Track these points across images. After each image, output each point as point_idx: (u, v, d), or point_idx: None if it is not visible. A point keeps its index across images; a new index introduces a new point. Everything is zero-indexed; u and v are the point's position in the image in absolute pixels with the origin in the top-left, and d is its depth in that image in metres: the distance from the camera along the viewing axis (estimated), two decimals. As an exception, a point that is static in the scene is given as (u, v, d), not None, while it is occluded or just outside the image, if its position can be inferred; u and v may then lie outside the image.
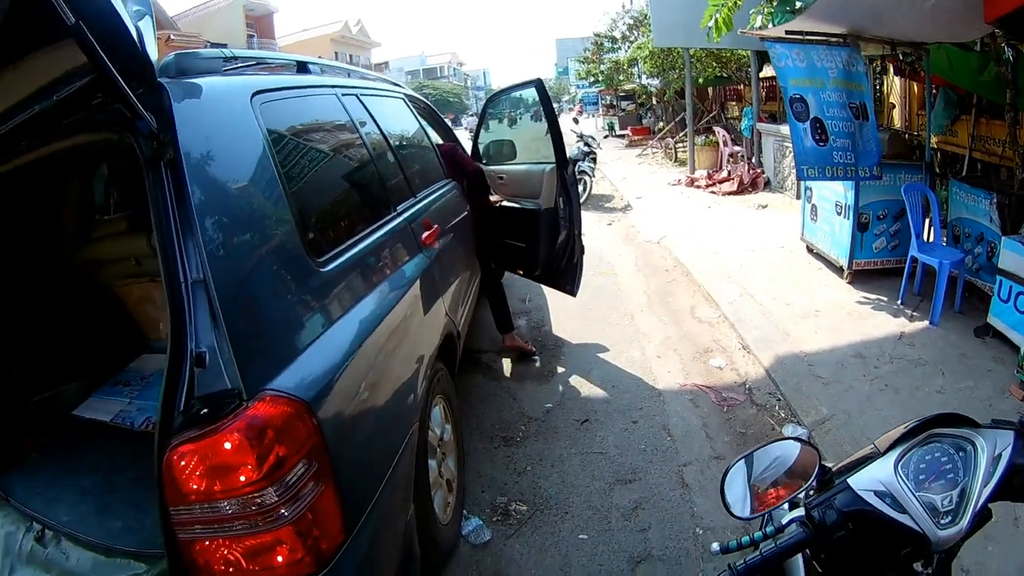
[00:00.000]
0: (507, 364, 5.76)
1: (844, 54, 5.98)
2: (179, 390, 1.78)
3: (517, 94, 6.36)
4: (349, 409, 2.24)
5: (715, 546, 1.32)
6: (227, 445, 1.75)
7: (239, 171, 2.20)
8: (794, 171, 9.23)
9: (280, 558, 1.87)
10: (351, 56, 58.61)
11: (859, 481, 1.30)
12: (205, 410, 1.77)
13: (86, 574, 2.37)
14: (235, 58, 2.70)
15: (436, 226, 3.88)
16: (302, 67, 3.42)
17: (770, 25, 7.14)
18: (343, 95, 3.51)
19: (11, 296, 3.65)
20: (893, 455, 1.31)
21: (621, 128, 30.59)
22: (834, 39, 6.04)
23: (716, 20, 6.63)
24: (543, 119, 5.30)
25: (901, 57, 6.96)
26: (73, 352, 3.92)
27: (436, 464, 3.32)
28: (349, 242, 2.74)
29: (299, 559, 1.88)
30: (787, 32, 6.00)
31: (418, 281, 3.29)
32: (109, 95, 1.92)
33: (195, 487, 1.77)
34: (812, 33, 5.96)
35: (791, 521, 1.33)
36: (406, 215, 3.57)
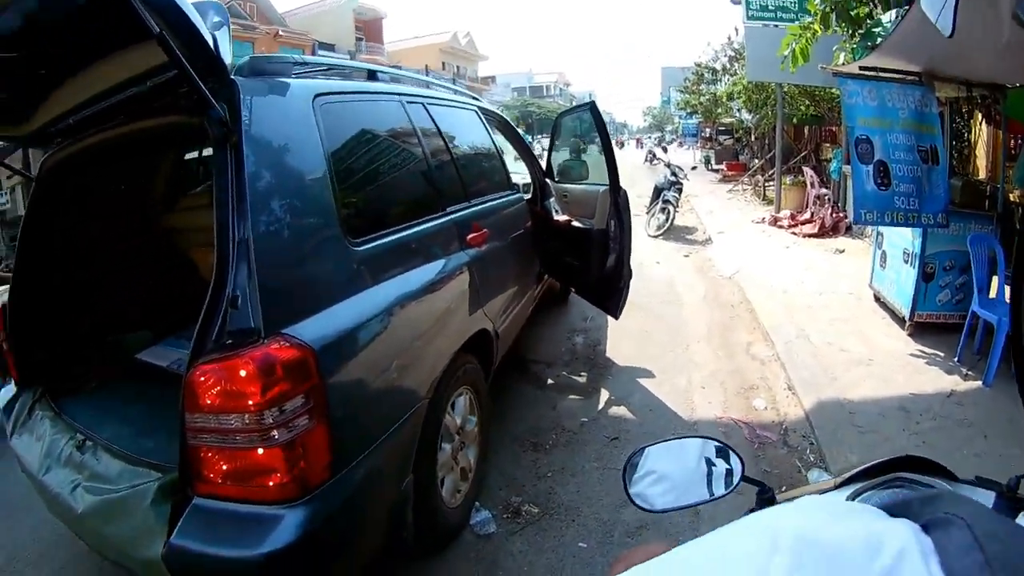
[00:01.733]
0: (554, 375, 5.90)
1: (918, 94, 5.81)
2: (213, 324, 2.26)
3: (581, 115, 6.49)
4: (355, 368, 2.61)
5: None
6: (241, 372, 2.17)
7: (292, 158, 2.68)
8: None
9: (268, 479, 2.27)
10: (458, 67, 59.46)
11: None
12: (230, 341, 2.23)
13: (111, 476, 2.69)
14: (305, 63, 3.20)
15: (485, 230, 4.25)
16: (372, 75, 3.89)
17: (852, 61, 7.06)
18: (408, 102, 3.95)
19: (103, 252, 4.24)
20: (847, 491, 1.16)
21: (717, 162, 30.21)
22: (909, 78, 5.88)
23: (793, 50, 6.57)
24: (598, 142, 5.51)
25: (979, 100, 6.74)
26: (148, 305, 4.48)
27: (451, 448, 3.60)
28: (388, 230, 3.17)
29: (285, 483, 2.27)
30: (860, 68, 5.88)
31: (455, 275, 3.67)
32: (189, 87, 2.31)
33: (209, 400, 2.21)
34: (886, 70, 5.83)
35: None
36: (454, 216, 3.95)
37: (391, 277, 3.05)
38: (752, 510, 1.25)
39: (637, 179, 27.02)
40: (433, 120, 4.21)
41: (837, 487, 1.22)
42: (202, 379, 2.21)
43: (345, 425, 2.49)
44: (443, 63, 56.24)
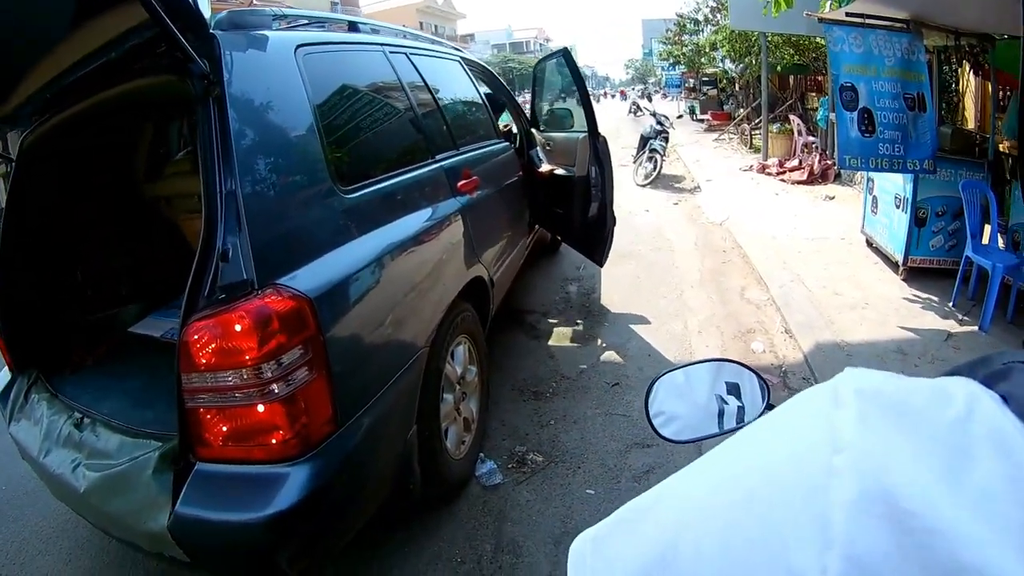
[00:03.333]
0: (550, 324, 5.92)
1: (905, 41, 5.75)
2: (204, 280, 2.19)
3: (560, 62, 6.39)
4: (351, 316, 2.55)
5: None
6: (236, 326, 2.11)
7: (276, 108, 2.61)
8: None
9: (271, 437, 2.23)
10: (436, 27, 59.06)
11: None
12: (223, 296, 2.16)
13: (111, 452, 2.63)
14: (285, 16, 3.13)
15: (475, 177, 4.21)
16: (352, 26, 3.84)
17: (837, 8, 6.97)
18: (391, 52, 3.91)
19: (86, 224, 4.10)
20: None
21: (702, 112, 30.16)
22: (897, 25, 5.80)
23: (776, -4, 6.48)
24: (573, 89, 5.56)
25: (968, 49, 6.71)
26: (137, 277, 4.39)
27: (453, 398, 3.59)
28: (379, 177, 3.15)
29: (288, 439, 2.23)
30: (847, 14, 5.80)
31: (447, 221, 3.62)
32: (169, 44, 2.28)
33: (205, 359, 2.15)
34: (873, 17, 5.76)
35: None
36: (444, 164, 3.90)
37: (383, 225, 3.01)
38: None
39: (622, 131, 26.96)
40: (417, 69, 4.18)
41: None
42: (196, 337, 2.16)
43: (345, 376, 2.44)
44: (420, 23, 55.75)
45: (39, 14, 2.57)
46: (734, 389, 1.35)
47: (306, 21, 3.33)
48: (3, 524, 3.81)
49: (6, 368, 3.55)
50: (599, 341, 5.53)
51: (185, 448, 2.31)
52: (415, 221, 3.28)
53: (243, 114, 2.41)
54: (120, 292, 4.30)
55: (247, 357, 2.13)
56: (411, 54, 4.23)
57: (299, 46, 2.91)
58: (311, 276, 2.37)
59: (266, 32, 2.84)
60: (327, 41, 3.26)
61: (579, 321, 5.97)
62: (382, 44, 3.91)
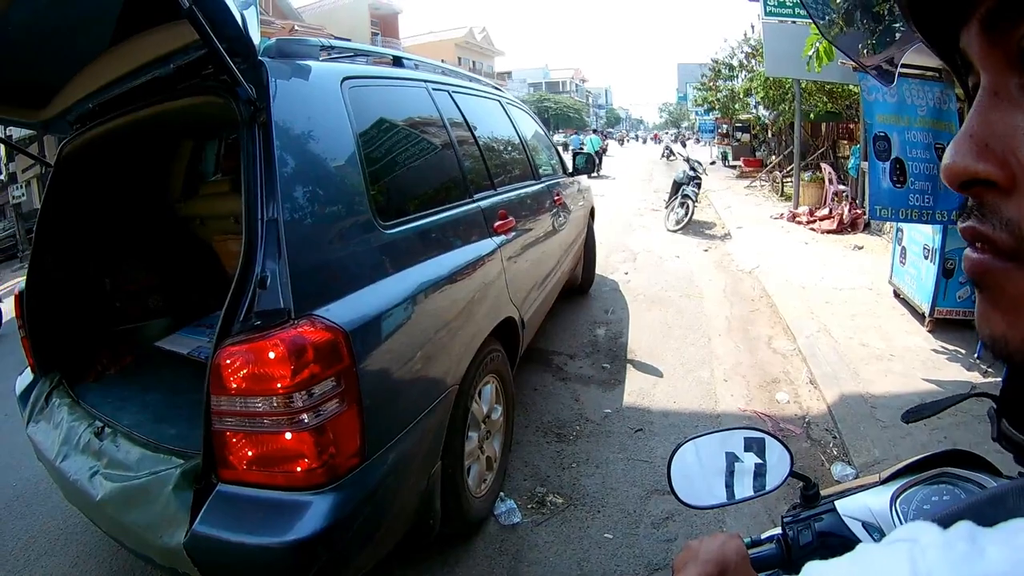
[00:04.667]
0: (576, 367, 5.95)
1: (937, 90, 5.79)
2: (241, 304, 2.23)
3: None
4: (385, 351, 2.58)
5: (684, 545, 1.14)
6: (270, 353, 2.14)
7: (321, 138, 2.66)
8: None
9: (296, 465, 2.24)
10: (474, 63, 59.38)
11: (847, 506, 1.21)
12: (258, 322, 2.19)
13: (131, 464, 2.67)
14: (332, 47, 3.20)
15: (511, 218, 4.30)
16: (397, 61, 3.93)
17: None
18: (434, 89, 4.00)
19: (119, 236, 4.26)
20: (893, 486, 1.19)
21: (734, 158, 30.16)
22: (929, 73, 5.86)
23: (817, 49, 6.55)
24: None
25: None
26: (165, 293, 4.56)
27: (477, 437, 3.61)
28: (417, 214, 3.19)
29: (314, 468, 2.24)
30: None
31: (482, 261, 3.64)
32: (217, 67, 2.40)
33: (236, 383, 2.18)
34: (907, 65, 5.78)
35: (768, 537, 1.25)
36: (482, 203, 3.98)
37: (421, 261, 3.05)
38: (796, 505, 1.31)
39: (655, 175, 27.01)
40: (458, 107, 4.25)
41: (883, 482, 1.24)
42: (229, 361, 2.19)
43: (376, 410, 2.46)
44: (459, 58, 56.12)
45: (86, 24, 2.76)
46: (752, 445, 1.37)
47: (351, 53, 3.41)
48: (12, 520, 3.91)
49: (28, 369, 3.64)
50: (625, 386, 5.56)
51: (208, 468, 2.34)
52: (451, 260, 3.31)
53: (288, 142, 2.47)
54: (148, 306, 4.43)
55: (279, 385, 2.15)
56: (453, 92, 4.31)
57: (345, 78, 2.97)
58: (347, 309, 2.40)
59: (313, 62, 2.92)
60: (372, 75, 3.36)
61: (605, 365, 6.01)
62: (425, 80, 3.99)
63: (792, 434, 4.67)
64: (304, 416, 2.19)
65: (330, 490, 2.28)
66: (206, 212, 4.91)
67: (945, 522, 0.48)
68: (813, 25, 6.71)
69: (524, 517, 3.74)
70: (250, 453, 2.27)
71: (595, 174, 26.18)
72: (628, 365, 6.05)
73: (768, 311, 7.68)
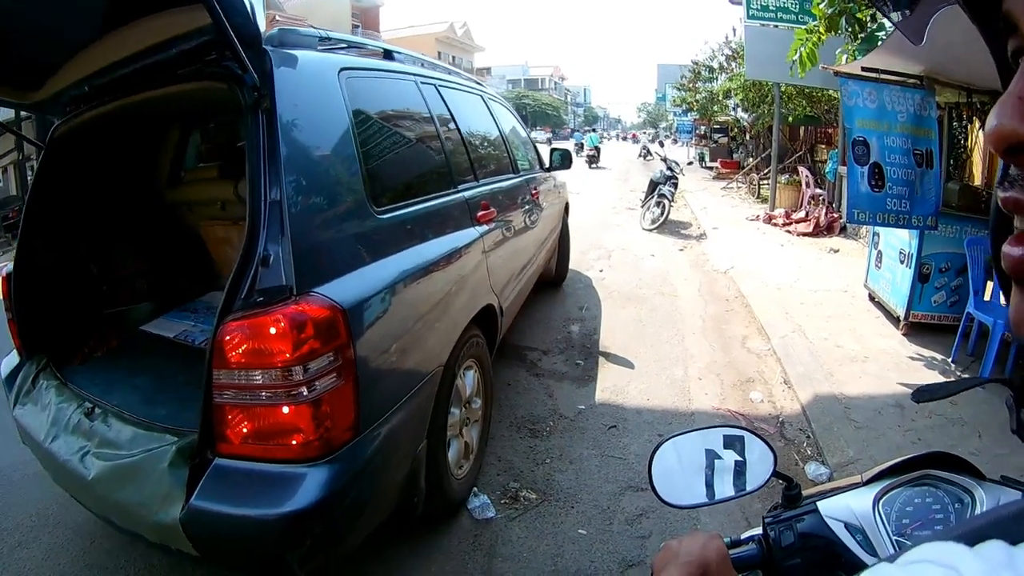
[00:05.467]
0: (550, 363, 5.93)
1: (918, 97, 5.83)
2: (243, 282, 2.31)
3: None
4: (379, 329, 2.69)
5: (662, 544, 1.13)
6: (272, 328, 2.23)
7: (321, 125, 2.79)
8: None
9: (293, 438, 2.33)
10: (454, 58, 59.42)
11: (829, 507, 1.19)
12: (261, 299, 2.28)
13: (123, 443, 2.68)
14: (329, 39, 3.29)
15: (492, 209, 4.44)
16: (387, 54, 4.01)
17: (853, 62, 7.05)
18: (422, 83, 4.13)
19: (106, 220, 4.23)
20: (875, 488, 1.18)
21: (711, 160, 30.46)
22: (910, 80, 5.90)
23: (800, 54, 6.56)
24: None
25: (979, 106, 6.80)
26: (151, 278, 4.55)
27: (459, 421, 3.71)
28: (408, 201, 3.33)
29: (310, 441, 2.33)
30: (863, 68, 5.89)
31: (466, 249, 3.80)
32: (223, 53, 2.55)
33: (238, 357, 2.26)
34: (887, 72, 5.85)
35: (749, 537, 1.23)
36: (466, 194, 4.13)
37: (411, 246, 3.16)
38: (778, 505, 1.28)
39: (632, 173, 27.11)
40: (444, 101, 4.35)
41: (865, 483, 1.22)
42: (232, 336, 2.26)
43: (369, 386, 2.55)
44: (439, 52, 56.12)
45: (82, 7, 2.82)
46: (733, 442, 1.36)
47: (345, 45, 3.47)
48: (-18, 511, 3.83)
49: (14, 352, 3.62)
50: (599, 382, 5.54)
51: (204, 444, 2.39)
52: (439, 246, 3.45)
53: (290, 127, 2.55)
54: (133, 290, 4.41)
55: (280, 359, 2.24)
56: (439, 86, 4.44)
57: (342, 69, 3.08)
58: (345, 288, 2.50)
59: (312, 52, 3.01)
60: (366, 67, 3.44)
61: (579, 362, 5.99)
62: (414, 74, 4.12)
63: (766, 433, 4.62)
64: (303, 389, 2.28)
65: (325, 463, 2.36)
66: (193, 198, 4.94)
67: (969, 539, 0.45)
68: (797, 29, 6.75)
69: (498, 512, 3.70)
70: (248, 427, 2.34)
71: (594, 165, 32.64)
72: (602, 361, 6.03)
73: (743, 311, 7.70)
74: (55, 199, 3.68)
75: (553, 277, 8.27)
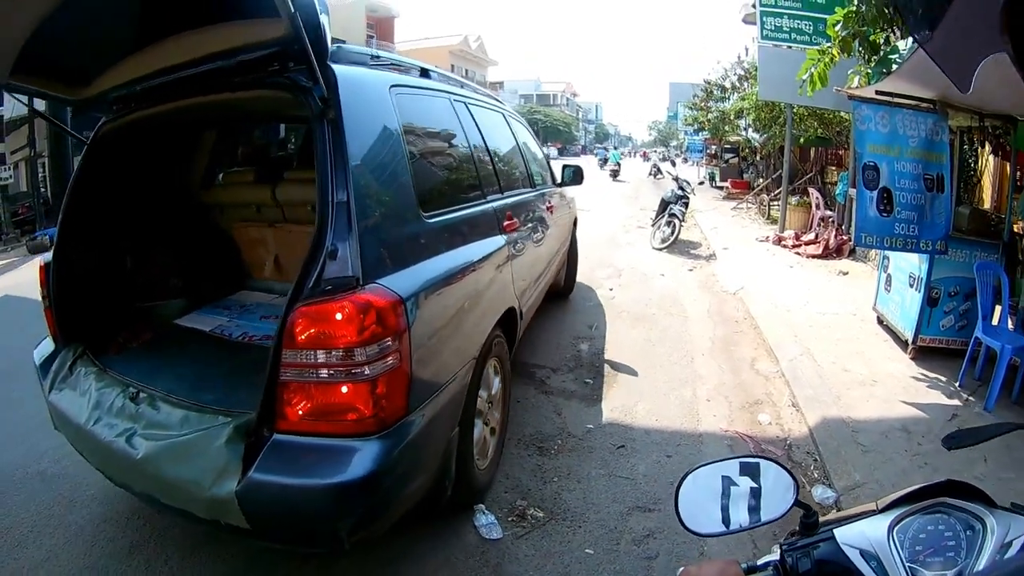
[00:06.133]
0: (559, 381, 5.96)
1: (930, 121, 5.84)
2: (312, 272, 2.56)
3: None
4: (429, 318, 2.98)
5: (679, 571, 1.24)
6: (338, 315, 2.48)
7: (378, 135, 3.09)
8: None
9: (352, 414, 2.57)
10: (467, 71, 59.51)
11: (845, 534, 1.20)
12: (329, 287, 2.53)
13: (173, 424, 2.86)
14: (378, 57, 3.60)
15: (515, 220, 4.80)
16: (424, 72, 4.25)
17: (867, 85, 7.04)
18: (454, 100, 4.48)
19: (143, 217, 4.45)
20: (890, 516, 1.20)
21: (722, 179, 30.41)
22: (923, 104, 5.90)
23: (812, 74, 6.59)
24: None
25: (990, 130, 6.82)
26: (182, 275, 4.78)
27: (482, 421, 3.97)
28: (448, 208, 3.68)
29: (366, 417, 2.57)
30: (877, 92, 5.89)
31: (494, 254, 4.11)
32: (287, 65, 2.89)
33: (306, 338, 2.51)
34: (901, 96, 5.84)
35: (765, 564, 1.25)
36: (495, 204, 4.49)
37: (453, 248, 3.50)
38: (794, 532, 1.31)
39: (642, 192, 27.13)
40: (473, 118, 4.68)
41: (881, 511, 1.23)
42: (302, 319, 2.50)
43: (418, 370, 2.79)
44: (452, 66, 56.10)
45: (142, 13, 3.08)
46: (748, 469, 1.38)
47: (389, 63, 3.74)
48: (-19, 510, 3.86)
49: (47, 340, 3.78)
50: (607, 402, 5.56)
51: (261, 422, 2.61)
52: (475, 250, 3.80)
53: (353, 136, 2.80)
54: (166, 287, 4.62)
55: (345, 341, 2.48)
56: (468, 103, 4.76)
57: (392, 85, 3.40)
58: (401, 281, 2.77)
59: (365, 69, 3.33)
60: (411, 84, 3.78)
61: (588, 380, 6.01)
62: (447, 92, 4.44)
63: (774, 455, 4.64)
64: (364, 369, 2.52)
65: (377, 438, 2.60)
66: (227, 200, 5.19)
67: None
68: (810, 50, 6.79)
69: (505, 530, 3.70)
70: (308, 404, 2.58)
71: (617, 179, 37.02)
72: (611, 381, 6.05)
73: (752, 333, 7.71)
74: (95, 193, 3.84)
75: (562, 289, 8.51)
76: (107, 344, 3.80)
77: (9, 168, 17.00)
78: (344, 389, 2.54)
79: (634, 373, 6.25)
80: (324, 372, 2.53)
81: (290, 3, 2.39)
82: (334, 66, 2.90)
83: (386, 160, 3.08)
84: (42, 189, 18.32)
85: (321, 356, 2.52)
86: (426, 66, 4.35)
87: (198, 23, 3.02)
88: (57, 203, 17.12)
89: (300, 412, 2.58)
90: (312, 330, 2.50)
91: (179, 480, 2.66)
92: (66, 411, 3.25)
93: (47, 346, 3.75)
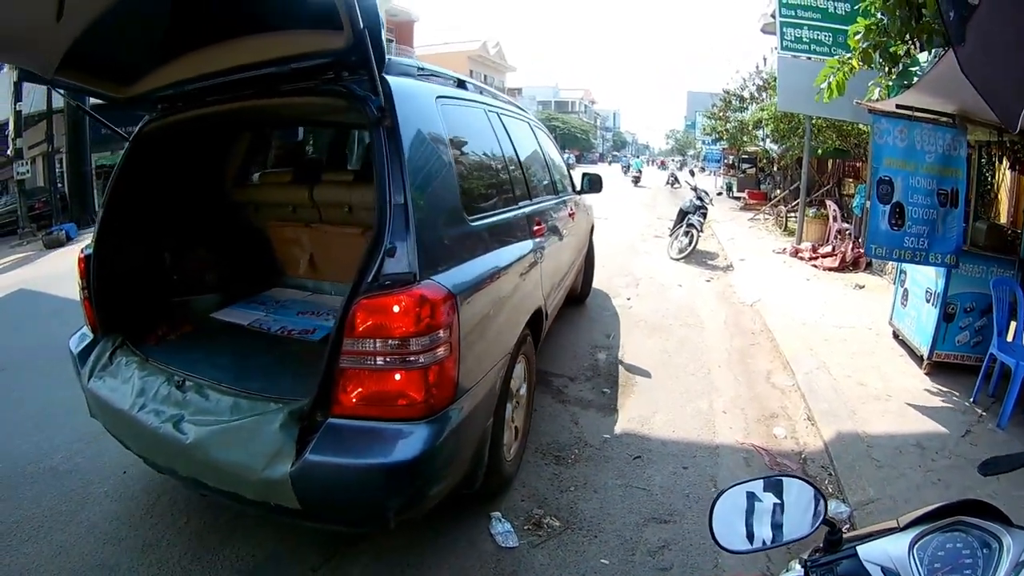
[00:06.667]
0: (576, 390, 6.01)
1: (948, 136, 5.87)
2: (371, 268, 2.76)
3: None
4: (474, 313, 3.21)
5: None
6: (396, 308, 2.71)
7: (429, 143, 3.31)
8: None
9: (404, 400, 2.79)
10: (485, 76, 59.42)
11: (868, 551, 1.23)
12: (388, 282, 2.76)
13: (223, 410, 3.04)
14: (423, 68, 3.85)
15: (543, 225, 5.09)
16: (460, 83, 4.48)
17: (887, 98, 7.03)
18: (488, 111, 4.76)
19: (181, 215, 4.63)
20: (911, 533, 1.23)
21: (739, 190, 30.34)
22: (943, 119, 5.92)
23: (830, 83, 6.60)
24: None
25: (1008, 145, 6.81)
26: (217, 271, 4.96)
27: (511, 410, 4.14)
28: (487, 212, 3.96)
29: (417, 402, 2.79)
30: (897, 106, 5.91)
31: (526, 256, 4.37)
32: (341, 74, 3.13)
33: (365, 328, 2.72)
34: (921, 110, 5.87)
35: None
36: (525, 210, 4.78)
37: (493, 249, 3.78)
38: (818, 549, 1.36)
39: (659, 201, 27.10)
40: (505, 128, 4.96)
41: (902, 528, 1.26)
42: (364, 311, 2.72)
43: (464, 361, 3.02)
44: (471, 71, 56.10)
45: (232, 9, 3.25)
46: (772, 486, 1.44)
47: (431, 73, 3.97)
48: (-5, 502, 3.93)
49: (85, 329, 3.95)
50: (624, 411, 5.60)
51: (315, 407, 2.81)
52: (513, 252, 4.10)
53: (408, 142, 3.03)
54: (202, 282, 4.79)
55: (402, 332, 2.71)
56: (500, 113, 5.05)
57: (438, 96, 3.68)
58: (452, 278, 3.02)
59: (414, 80, 3.57)
60: (454, 95, 4.05)
61: (605, 390, 6.06)
62: (483, 103, 4.72)
63: (788, 469, 4.69)
64: (420, 358, 2.75)
65: (426, 423, 2.81)
66: (262, 200, 5.38)
67: None
68: (829, 60, 6.81)
69: (521, 539, 3.74)
70: (364, 390, 2.79)
71: (639, 184, 40.95)
72: (628, 390, 6.09)
73: (768, 345, 7.73)
74: (136, 188, 4.01)
75: (579, 295, 8.69)
76: (145, 336, 3.96)
77: (27, 163, 17.19)
78: (397, 376, 2.74)
79: (651, 383, 6.29)
80: (380, 360, 2.73)
81: (360, 20, 2.60)
82: (389, 77, 3.11)
83: (436, 166, 3.29)
84: (59, 184, 18.58)
85: (379, 345, 2.72)
86: (463, 77, 4.57)
87: (255, 30, 3.23)
88: (74, 199, 17.32)
89: (355, 398, 2.77)
90: (371, 321, 2.71)
91: (230, 463, 2.83)
92: (107, 398, 3.38)
93: (84, 335, 3.89)
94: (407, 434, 2.76)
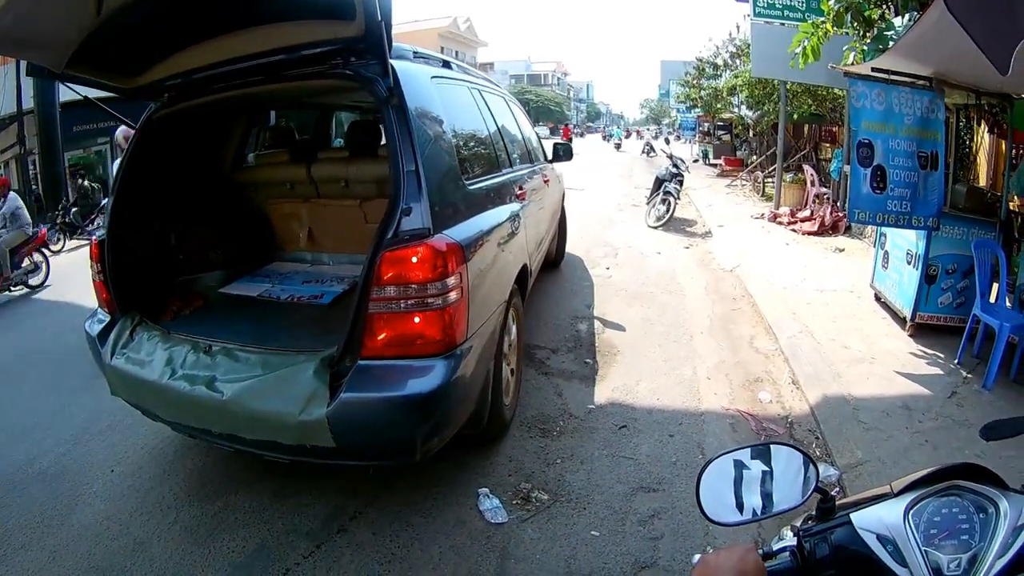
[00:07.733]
0: (559, 362, 5.97)
1: (926, 99, 5.83)
2: (391, 227, 3.14)
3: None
4: (478, 263, 3.63)
5: (695, 557, 1.22)
6: (414, 258, 3.10)
7: (431, 117, 3.73)
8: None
9: (426, 338, 3.17)
10: (456, 52, 59.17)
11: (862, 519, 1.20)
12: (407, 237, 3.13)
13: (254, 366, 3.32)
14: (416, 52, 4.26)
15: (524, 190, 5.60)
16: (445, 64, 4.87)
17: (862, 62, 6.98)
18: (471, 88, 5.18)
19: (186, 198, 4.88)
20: (906, 499, 1.19)
21: (715, 157, 30.42)
22: (919, 82, 5.89)
23: (804, 47, 6.54)
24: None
25: (986, 108, 6.79)
26: (220, 248, 5.19)
27: (505, 362, 4.48)
28: (480, 177, 4.44)
29: (437, 340, 3.19)
30: (873, 69, 5.87)
31: (516, 217, 4.85)
32: (349, 59, 3.49)
33: (389, 276, 3.08)
34: (898, 73, 5.82)
35: (782, 549, 1.27)
36: (511, 175, 5.37)
37: (488, 209, 4.25)
38: (811, 517, 1.31)
39: (635, 170, 27.09)
40: (486, 102, 5.45)
41: (896, 494, 1.22)
42: (388, 262, 3.07)
43: (472, 304, 3.44)
44: (441, 47, 55.78)
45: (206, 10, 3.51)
46: (760, 454, 1.38)
47: (424, 56, 4.38)
48: (-16, 510, 3.87)
49: (99, 313, 4.13)
50: (608, 381, 5.57)
51: (344, 353, 3.15)
52: (503, 212, 4.55)
53: (415, 118, 3.42)
54: (206, 260, 5.03)
55: (423, 278, 3.09)
56: (481, 90, 5.50)
57: (433, 76, 4.14)
58: (459, 232, 3.45)
59: (411, 63, 3.96)
60: (445, 75, 4.52)
61: (588, 360, 6.02)
62: (466, 80, 5.15)
63: (775, 434, 4.68)
64: (438, 300, 3.14)
65: (444, 358, 3.21)
66: (261, 179, 5.73)
67: None
68: (803, 24, 6.75)
69: (510, 514, 3.71)
70: (391, 332, 3.16)
71: (620, 150, 46.09)
72: (611, 360, 6.06)
73: (750, 310, 7.73)
74: (144, 174, 4.22)
75: (554, 259, 9.12)
76: (159, 314, 4.14)
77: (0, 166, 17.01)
78: (417, 319, 3.13)
79: (635, 352, 6.26)
80: (403, 303, 3.11)
81: (377, 12, 2.96)
82: (392, 61, 3.37)
83: (437, 137, 3.69)
84: (33, 186, 18.37)
85: (401, 291, 3.09)
86: (447, 59, 5.01)
87: (266, 20, 3.50)
88: (49, 201, 17.09)
89: (381, 341, 3.14)
90: (394, 271, 3.07)
91: (268, 412, 3.11)
92: (134, 372, 3.58)
93: (100, 318, 4.07)
94: (429, 368, 3.15)
